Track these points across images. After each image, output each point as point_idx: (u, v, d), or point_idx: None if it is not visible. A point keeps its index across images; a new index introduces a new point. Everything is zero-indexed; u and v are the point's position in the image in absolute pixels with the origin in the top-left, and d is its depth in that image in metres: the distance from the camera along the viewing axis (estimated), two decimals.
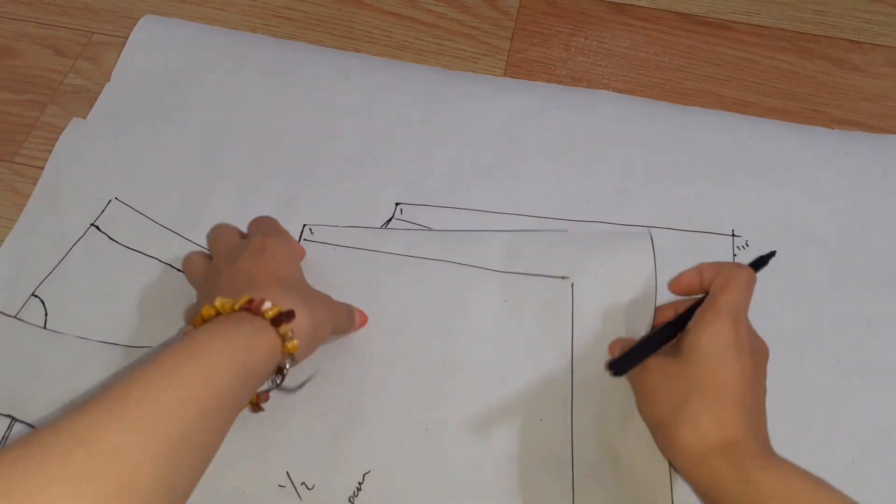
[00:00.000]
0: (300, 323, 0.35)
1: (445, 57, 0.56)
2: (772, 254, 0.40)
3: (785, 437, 0.40)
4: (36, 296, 0.44)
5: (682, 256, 0.45)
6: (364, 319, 0.43)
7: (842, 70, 0.56)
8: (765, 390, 0.36)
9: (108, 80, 0.54)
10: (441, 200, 0.48)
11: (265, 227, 0.44)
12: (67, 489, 0.25)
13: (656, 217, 0.47)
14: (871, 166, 0.49)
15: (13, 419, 0.40)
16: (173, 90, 0.53)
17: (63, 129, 0.51)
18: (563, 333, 0.42)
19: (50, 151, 0.51)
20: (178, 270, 0.45)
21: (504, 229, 0.47)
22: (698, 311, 0.37)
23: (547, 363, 0.41)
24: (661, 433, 0.35)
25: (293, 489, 0.38)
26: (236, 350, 0.33)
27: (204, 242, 0.47)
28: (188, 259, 0.44)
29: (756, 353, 0.36)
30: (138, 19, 0.57)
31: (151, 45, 0.55)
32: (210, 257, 0.43)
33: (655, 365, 0.36)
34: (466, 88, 0.53)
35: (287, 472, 0.39)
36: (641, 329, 0.41)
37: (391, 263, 0.45)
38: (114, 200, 0.48)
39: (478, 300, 0.43)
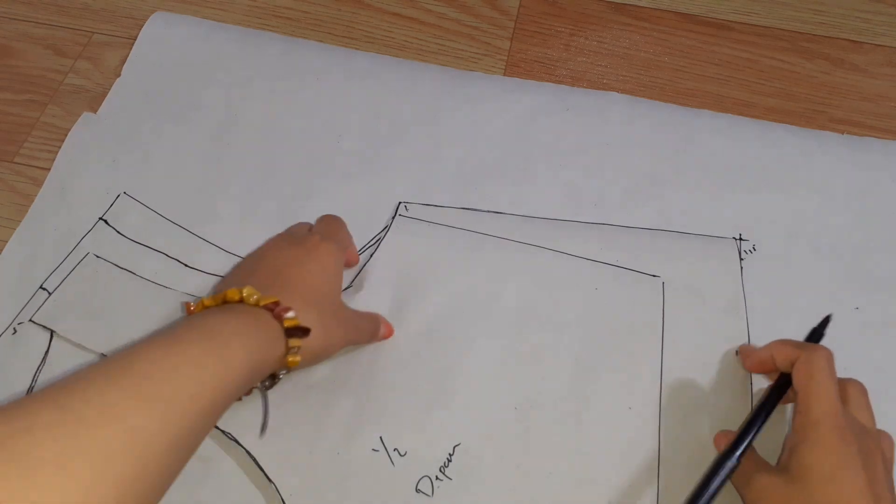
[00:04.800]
0: (310, 342, 0.36)
1: (445, 57, 0.56)
2: (826, 320, 0.40)
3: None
4: (44, 288, 0.45)
5: (689, 260, 0.45)
6: (389, 332, 0.43)
7: (842, 70, 0.56)
8: (891, 483, 0.34)
9: (110, 78, 0.54)
10: (449, 200, 0.48)
11: (327, 228, 0.44)
12: (78, 466, 0.24)
13: (663, 220, 0.47)
14: (879, 172, 0.49)
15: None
16: (183, 86, 0.53)
17: (63, 128, 0.52)
18: (654, 329, 0.43)
19: (50, 151, 0.51)
20: (185, 265, 0.46)
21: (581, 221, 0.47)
22: (796, 425, 0.35)
23: (636, 356, 0.42)
24: None
25: (386, 454, 0.39)
26: (253, 351, 0.33)
27: (211, 238, 0.47)
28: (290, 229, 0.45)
29: (871, 454, 0.34)
30: (138, 19, 0.57)
31: (161, 42, 0.55)
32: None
33: (768, 491, 0.35)
34: (475, 88, 0.53)
35: (381, 438, 0.40)
36: (730, 337, 0.42)
37: (484, 245, 0.46)
38: (122, 195, 0.48)
39: (569, 286, 0.44)
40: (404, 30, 0.58)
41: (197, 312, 0.35)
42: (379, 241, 0.47)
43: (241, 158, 0.50)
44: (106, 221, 0.47)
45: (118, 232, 0.47)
